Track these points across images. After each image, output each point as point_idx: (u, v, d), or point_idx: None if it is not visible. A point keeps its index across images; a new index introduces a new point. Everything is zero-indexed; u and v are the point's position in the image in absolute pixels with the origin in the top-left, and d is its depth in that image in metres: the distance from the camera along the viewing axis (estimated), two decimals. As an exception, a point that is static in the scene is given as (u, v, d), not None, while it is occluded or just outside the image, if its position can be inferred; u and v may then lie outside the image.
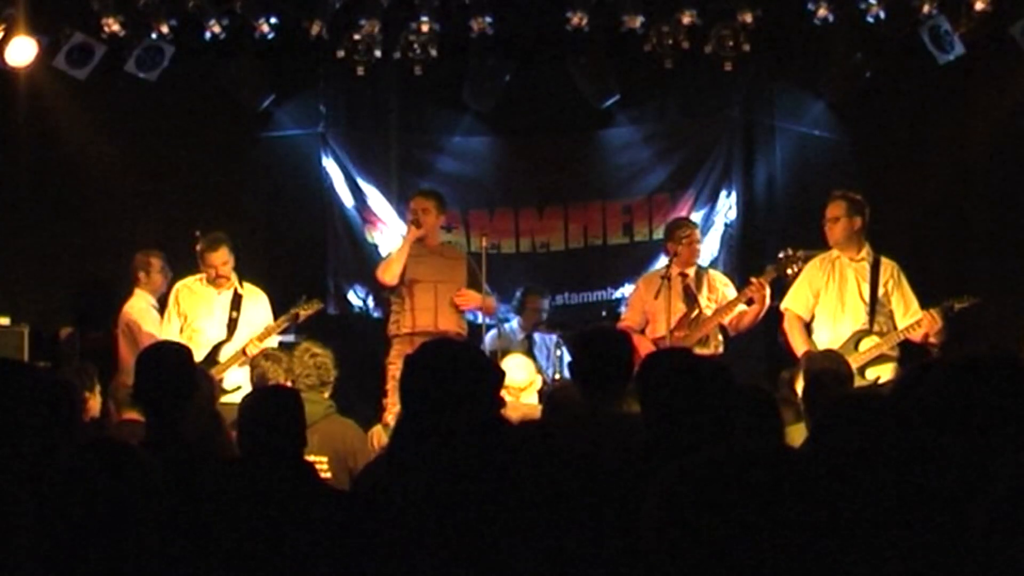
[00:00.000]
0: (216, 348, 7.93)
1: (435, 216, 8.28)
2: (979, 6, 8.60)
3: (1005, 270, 9.33)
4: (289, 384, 6.27)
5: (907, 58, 9.15)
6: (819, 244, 8.25)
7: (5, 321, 8.61)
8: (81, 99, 9.33)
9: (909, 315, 7.50)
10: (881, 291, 7.53)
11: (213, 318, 8.02)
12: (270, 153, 10.04)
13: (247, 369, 7.70)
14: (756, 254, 9.08)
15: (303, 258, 10.02)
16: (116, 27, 8.93)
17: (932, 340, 7.36)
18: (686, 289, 8.11)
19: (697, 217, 9.83)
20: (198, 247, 8.13)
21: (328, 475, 5.43)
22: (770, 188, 9.97)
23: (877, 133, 9.65)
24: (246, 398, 4.23)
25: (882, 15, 8.91)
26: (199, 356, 7.72)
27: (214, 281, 8.02)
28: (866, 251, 7.64)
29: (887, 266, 7.60)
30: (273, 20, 9.26)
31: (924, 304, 7.57)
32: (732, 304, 7.98)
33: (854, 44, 9.14)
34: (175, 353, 4.76)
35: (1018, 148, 9.26)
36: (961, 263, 9.55)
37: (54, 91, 9.25)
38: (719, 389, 3.47)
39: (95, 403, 6.32)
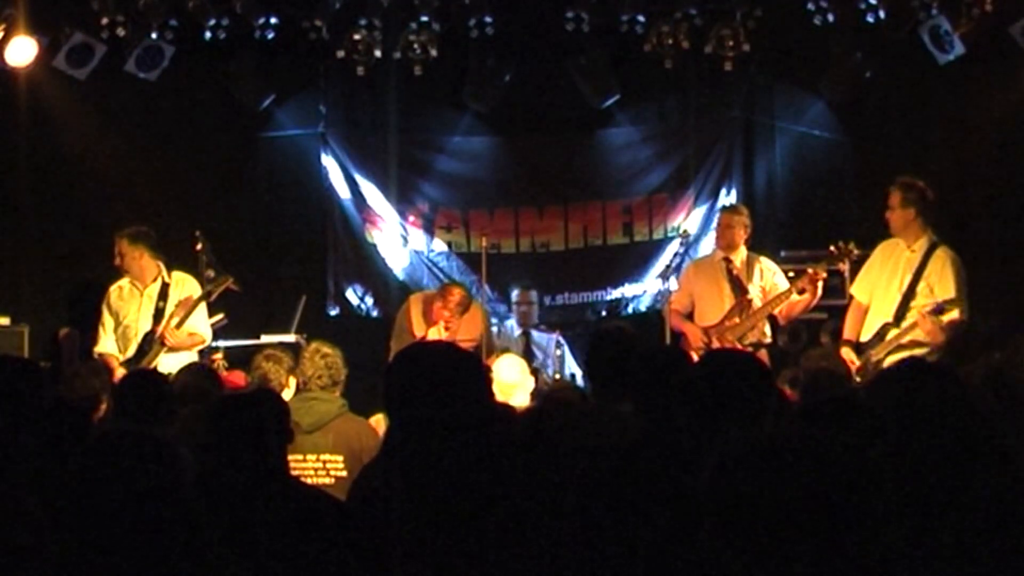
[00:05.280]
0: (146, 338, 7.92)
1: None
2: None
3: (1006, 270, 9.32)
4: (293, 384, 6.27)
5: (907, 58, 9.15)
6: (820, 243, 8.27)
7: (5, 321, 8.61)
8: (81, 99, 9.33)
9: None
10: (923, 284, 7.49)
11: (141, 311, 8.02)
12: (270, 153, 10.04)
13: (185, 355, 7.80)
14: (759, 254, 9.07)
15: (303, 258, 10.02)
16: (116, 27, 8.94)
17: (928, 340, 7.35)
18: (730, 274, 8.16)
19: (698, 216, 9.86)
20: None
21: (343, 474, 5.43)
22: (770, 188, 9.97)
23: (877, 133, 9.64)
24: (219, 403, 4.17)
25: (882, 15, 8.92)
26: (132, 351, 7.89)
27: (139, 277, 8.00)
28: (922, 242, 7.57)
29: (938, 259, 7.52)
30: (273, 20, 9.26)
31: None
32: (784, 295, 8.02)
33: (854, 44, 9.14)
34: (153, 380, 4.83)
35: (1018, 148, 9.25)
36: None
37: (54, 91, 9.25)
38: (751, 383, 3.49)
39: (105, 405, 6.29)
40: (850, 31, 9.09)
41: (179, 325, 7.83)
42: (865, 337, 7.53)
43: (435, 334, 8.00)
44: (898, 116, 9.53)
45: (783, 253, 9.03)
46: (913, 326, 7.36)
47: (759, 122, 9.97)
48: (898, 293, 7.51)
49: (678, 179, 9.99)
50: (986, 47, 8.92)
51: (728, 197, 9.81)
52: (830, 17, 9.01)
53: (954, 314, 7.33)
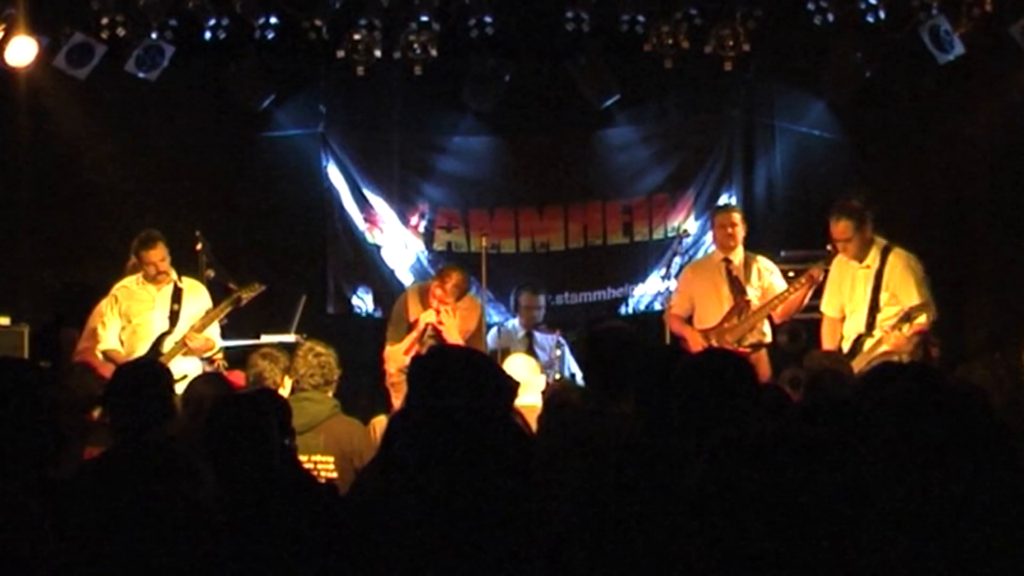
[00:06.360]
0: (159, 339, 7.93)
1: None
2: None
3: (1005, 270, 9.33)
4: (288, 384, 6.28)
5: (907, 58, 9.15)
6: (820, 244, 8.27)
7: (5, 321, 8.59)
8: (81, 99, 9.32)
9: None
10: (886, 294, 7.51)
11: (155, 312, 8.03)
12: (270, 153, 10.04)
13: (193, 360, 7.84)
14: (756, 254, 9.09)
15: (303, 258, 10.02)
16: (116, 27, 8.93)
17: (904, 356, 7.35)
18: (729, 275, 8.16)
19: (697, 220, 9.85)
20: (133, 245, 8.11)
21: (334, 475, 5.42)
22: (770, 188, 9.97)
23: (877, 133, 9.65)
24: (217, 405, 4.18)
25: (882, 15, 8.92)
26: (143, 350, 7.87)
27: (153, 278, 8.00)
28: (873, 253, 7.60)
29: (893, 266, 7.54)
30: (273, 20, 9.25)
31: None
32: (782, 296, 8.02)
33: (854, 44, 9.14)
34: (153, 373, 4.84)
35: (1018, 148, 9.25)
36: (961, 263, 9.55)
37: (54, 91, 9.24)
38: (741, 384, 3.50)
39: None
40: (850, 31, 9.08)
41: (200, 329, 7.84)
42: (845, 348, 7.56)
43: (428, 318, 8.03)
44: (898, 116, 9.53)
45: (783, 253, 9.02)
46: (881, 342, 7.37)
47: (759, 122, 9.96)
48: (864, 305, 7.54)
49: (678, 179, 9.98)
50: (986, 47, 8.92)
51: (730, 198, 9.81)
52: (830, 17, 9.00)
53: (921, 320, 7.32)
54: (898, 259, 7.55)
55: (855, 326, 7.57)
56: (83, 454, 5.07)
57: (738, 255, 8.27)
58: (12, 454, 3.36)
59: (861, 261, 7.60)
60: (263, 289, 8.09)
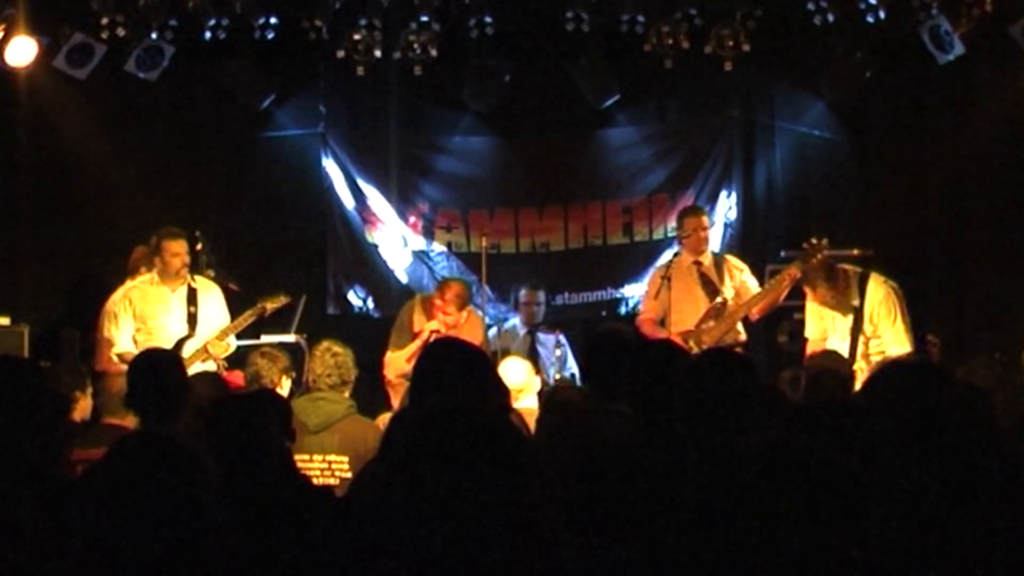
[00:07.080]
0: (179, 344, 7.86)
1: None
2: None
3: (1005, 271, 9.32)
4: (286, 384, 6.27)
5: (907, 58, 9.15)
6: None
7: (5, 321, 8.59)
8: (81, 99, 9.32)
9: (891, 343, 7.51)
10: (868, 325, 7.53)
11: (172, 315, 7.98)
12: (270, 153, 10.04)
13: (210, 364, 7.77)
14: (756, 254, 9.08)
15: (303, 258, 10.02)
16: (116, 27, 8.94)
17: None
18: (702, 277, 8.14)
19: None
20: (153, 240, 8.08)
21: (349, 475, 5.42)
22: (770, 188, 9.96)
23: (877, 133, 9.65)
24: (216, 406, 4.18)
25: (882, 15, 8.92)
26: None
27: (174, 275, 7.95)
28: (851, 292, 7.60)
29: (872, 299, 7.57)
30: (273, 20, 9.26)
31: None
32: (760, 295, 8.01)
33: (854, 44, 9.14)
34: (168, 361, 4.81)
35: (1018, 148, 9.25)
36: (960, 263, 9.55)
37: (54, 91, 9.24)
38: (743, 383, 3.50)
39: (86, 403, 6.28)
40: (850, 31, 9.08)
41: (222, 337, 7.83)
42: None
43: (432, 327, 8.04)
44: (898, 116, 9.53)
45: (783, 253, 9.01)
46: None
47: (759, 122, 9.96)
48: (847, 333, 7.55)
49: (678, 179, 9.98)
50: (986, 47, 8.92)
51: (730, 198, 9.81)
52: (830, 17, 9.00)
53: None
54: (877, 291, 7.58)
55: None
56: (71, 455, 5.05)
57: (707, 256, 8.30)
58: (12, 454, 3.36)
59: (843, 308, 7.60)
60: (288, 301, 8.09)
